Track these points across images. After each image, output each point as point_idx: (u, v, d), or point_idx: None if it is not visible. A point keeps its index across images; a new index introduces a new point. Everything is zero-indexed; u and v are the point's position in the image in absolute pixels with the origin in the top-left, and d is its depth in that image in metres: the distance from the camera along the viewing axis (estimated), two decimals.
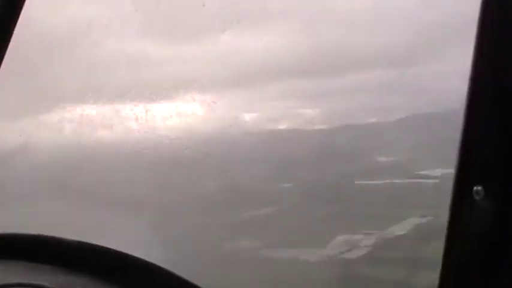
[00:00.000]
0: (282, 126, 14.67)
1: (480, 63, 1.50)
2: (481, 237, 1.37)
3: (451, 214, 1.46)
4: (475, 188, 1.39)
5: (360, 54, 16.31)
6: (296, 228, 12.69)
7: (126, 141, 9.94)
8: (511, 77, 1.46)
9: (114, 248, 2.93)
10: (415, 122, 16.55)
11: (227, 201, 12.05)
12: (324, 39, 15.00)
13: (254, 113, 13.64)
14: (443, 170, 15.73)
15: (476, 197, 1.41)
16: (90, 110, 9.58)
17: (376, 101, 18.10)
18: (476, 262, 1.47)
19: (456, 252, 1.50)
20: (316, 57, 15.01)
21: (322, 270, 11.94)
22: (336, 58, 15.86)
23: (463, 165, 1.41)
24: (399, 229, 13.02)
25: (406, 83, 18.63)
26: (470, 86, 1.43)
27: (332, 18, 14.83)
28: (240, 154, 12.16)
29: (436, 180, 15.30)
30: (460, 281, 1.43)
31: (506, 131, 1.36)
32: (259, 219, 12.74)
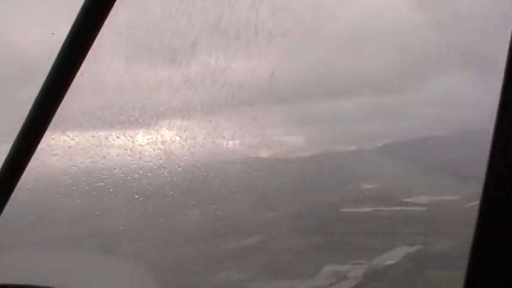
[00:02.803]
0: (263, 154, 14.32)
1: None
2: None
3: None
4: None
5: (343, 81, 16.15)
6: (282, 259, 12.29)
7: (106, 169, 9.51)
8: None
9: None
10: (397, 149, 16.38)
11: (211, 231, 11.63)
12: (307, 66, 14.78)
13: (236, 140, 13.21)
14: (430, 198, 15.55)
15: None
16: (69, 138, 9.13)
17: (357, 128, 17.94)
18: None
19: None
20: (298, 84, 14.76)
21: None
22: (319, 85, 15.64)
23: None
24: (388, 259, 12.67)
25: (388, 109, 18.53)
26: None
27: (315, 45, 14.63)
28: (223, 183, 11.77)
29: (423, 208, 15.09)
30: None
31: None
32: (245, 249, 12.30)
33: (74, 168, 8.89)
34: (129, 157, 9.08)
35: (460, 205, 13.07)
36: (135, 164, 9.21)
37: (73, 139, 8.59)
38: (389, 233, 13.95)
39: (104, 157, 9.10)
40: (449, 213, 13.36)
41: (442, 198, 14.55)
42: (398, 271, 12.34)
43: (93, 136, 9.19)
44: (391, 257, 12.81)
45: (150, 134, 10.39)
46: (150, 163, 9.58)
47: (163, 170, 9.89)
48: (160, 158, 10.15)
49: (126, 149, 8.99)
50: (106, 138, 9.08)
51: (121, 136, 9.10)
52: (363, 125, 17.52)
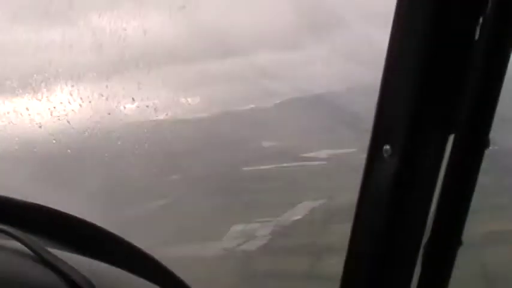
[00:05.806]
0: (161, 116, 13.89)
1: None
2: (390, 191, 1.63)
3: (365, 170, 1.68)
4: (384, 147, 1.62)
5: (238, 39, 15.88)
6: (188, 222, 12.03)
7: None
8: None
9: None
10: (295, 106, 16.41)
11: (113, 198, 11.16)
12: (200, 25, 14.37)
13: (132, 103, 12.71)
14: (329, 151, 15.72)
15: (385, 155, 1.61)
16: None
17: (254, 87, 17.80)
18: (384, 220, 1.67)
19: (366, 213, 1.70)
20: (193, 42, 14.35)
21: (221, 265, 11.33)
22: (212, 44, 15.29)
23: (376, 128, 1.67)
24: (294, 215, 12.69)
25: (285, 66, 18.48)
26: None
27: (208, 1, 14.22)
28: (121, 147, 11.28)
29: (323, 162, 15.24)
30: (369, 239, 1.69)
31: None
32: (150, 214, 11.94)
33: None
34: (17, 124, 8.53)
35: (357, 157, 13.26)
36: (22, 132, 8.66)
37: None
38: (293, 189, 14.00)
39: None
40: (348, 166, 13.50)
41: (341, 151, 14.74)
42: (305, 227, 12.40)
43: None
44: (297, 213, 12.85)
45: (40, 100, 9.77)
46: (41, 129, 9.02)
47: (56, 136, 9.35)
48: (50, 126, 9.57)
49: (13, 115, 8.45)
50: None
51: (6, 102, 8.56)
52: (260, 83, 17.36)
